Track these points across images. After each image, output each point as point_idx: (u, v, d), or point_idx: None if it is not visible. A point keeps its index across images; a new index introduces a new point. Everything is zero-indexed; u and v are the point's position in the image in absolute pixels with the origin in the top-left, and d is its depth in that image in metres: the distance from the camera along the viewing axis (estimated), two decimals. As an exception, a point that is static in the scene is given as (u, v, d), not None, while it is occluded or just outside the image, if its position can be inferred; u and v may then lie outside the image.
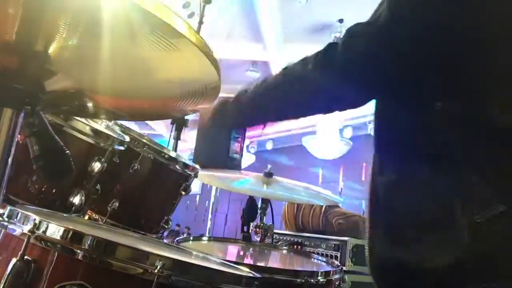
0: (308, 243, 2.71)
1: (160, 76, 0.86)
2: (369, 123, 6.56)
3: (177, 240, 1.76)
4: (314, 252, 2.33)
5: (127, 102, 1.00)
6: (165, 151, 1.66)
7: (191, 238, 1.86)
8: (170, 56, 0.76)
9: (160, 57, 0.77)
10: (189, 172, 1.72)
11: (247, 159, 7.69)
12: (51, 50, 0.76)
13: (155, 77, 0.86)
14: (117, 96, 0.96)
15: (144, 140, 1.61)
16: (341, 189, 6.96)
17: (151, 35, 0.70)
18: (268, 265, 1.64)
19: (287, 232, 2.98)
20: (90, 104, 0.96)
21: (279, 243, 2.76)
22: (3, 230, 0.85)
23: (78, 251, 0.76)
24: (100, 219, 1.53)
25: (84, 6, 0.67)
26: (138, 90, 0.92)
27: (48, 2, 0.67)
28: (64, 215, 1.14)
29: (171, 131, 3.11)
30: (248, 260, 1.67)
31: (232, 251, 1.88)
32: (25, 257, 0.76)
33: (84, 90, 0.90)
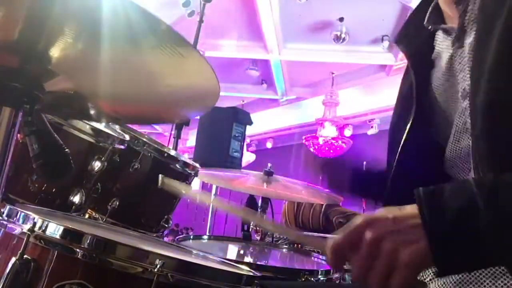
0: (308, 242, 2.71)
1: (161, 81, 0.86)
2: (369, 121, 6.56)
3: (177, 239, 1.77)
4: (314, 251, 2.33)
5: (128, 106, 1.00)
6: (165, 150, 1.66)
7: (191, 236, 1.86)
8: (172, 62, 0.76)
9: (162, 63, 0.77)
10: (189, 171, 1.72)
11: (247, 157, 7.69)
12: (54, 52, 0.76)
13: (156, 82, 0.86)
14: (118, 101, 0.96)
15: (144, 139, 1.61)
16: (341, 187, 6.96)
17: (155, 41, 0.70)
18: (268, 264, 1.63)
19: (287, 230, 2.97)
20: (91, 108, 0.96)
21: (279, 242, 2.76)
22: (2, 229, 0.85)
23: (78, 250, 0.76)
24: (100, 218, 1.52)
25: (88, 11, 0.67)
26: (139, 95, 0.92)
27: (52, 4, 0.67)
28: (64, 214, 1.14)
29: (171, 130, 3.11)
30: (248, 259, 1.67)
31: (232, 249, 1.88)
32: (25, 256, 0.75)
33: (86, 94, 0.90)
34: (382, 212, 0.64)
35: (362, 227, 0.63)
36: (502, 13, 0.70)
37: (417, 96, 0.93)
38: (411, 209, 0.62)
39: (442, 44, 0.92)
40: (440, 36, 0.93)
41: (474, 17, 0.80)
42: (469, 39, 0.81)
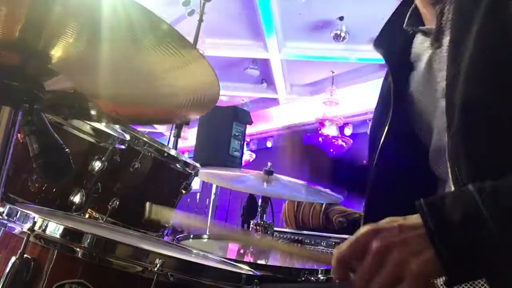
0: (308, 241, 2.71)
1: (162, 82, 0.86)
2: (369, 121, 6.55)
3: (177, 238, 1.77)
4: (314, 250, 2.33)
5: (128, 106, 1.00)
6: (165, 149, 1.66)
7: (191, 236, 1.86)
8: (173, 62, 0.76)
9: (163, 64, 0.77)
10: (189, 171, 1.72)
11: (247, 157, 7.69)
12: (54, 51, 0.76)
13: (157, 83, 0.86)
14: (118, 101, 0.96)
15: (145, 139, 1.61)
16: (342, 186, 6.96)
17: (156, 42, 0.70)
18: (268, 263, 1.64)
19: (287, 230, 2.98)
20: (91, 108, 0.96)
21: (279, 241, 2.76)
22: (2, 229, 0.85)
23: (78, 249, 0.76)
24: (100, 218, 1.53)
25: (89, 11, 0.67)
26: (139, 95, 0.92)
27: (53, 4, 0.67)
28: (64, 213, 1.14)
29: (172, 130, 3.12)
30: (248, 258, 1.67)
31: (232, 249, 1.88)
32: (25, 255, 0.75)
33: (86, 94, 0.90)
34: (387, 222, 0.64)
35: (368, 237, 0.63)
36: (479, 12, 0.71)
37: (395, 99, 0.94)
38: (415, 218, 0.62)
39: (422, 46, 0.92)
40: (419, 38, 0.94)
41: (451, 16, 0.81)
42: (447, 39, 0.81)
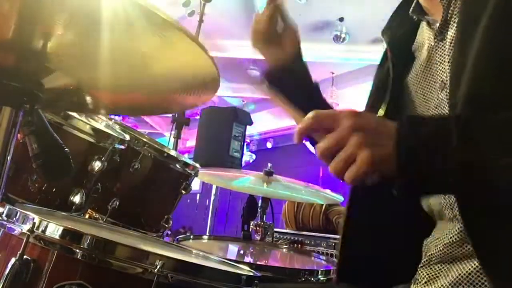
0: (308, 242, 2.71)
1: (158, 70, 0.85)
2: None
3: (177, 239, 1.76)
4: (314, 251, 2.33)
5: (126, 97, 0.99)
6: (165, 150, 1.66)
7: (191, 236, 1.86)
8: (166, 50, 0.76)
9: (157, 51, 0.77)
10: (189, 171, 1.72)
11: (247, 157, 7.69)
12: (49, 47, 0.75)
13: (153, 71, 0.86)
14: (116, 91, 0.96)
15: (145, 139, 1.61)
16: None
17: (147, 28, 0.69)
18: (268, 264, 1.63)
19: (287, 230, 2.98)
20: (89, 100, 0.96)
21: (279, 242, 2.76)
22: (2, 229, 0.84)
23: (77, 250, 0.75)
24: (100, 218, 1.52)
25: (80, 3, 0.67)
26: (137, 85, 0.92)
27: (44, 1, 0.67)
28: (64, 214, 1.14)
29: (172, 130, 3.11)
30: (248, 259, 1.67)
31: (233, 249, 1.88)
32: (24, 256, 0.75)
33: (83, 87, 0.89)
34: (371, 114, 0.71)
35: (347, 115, 0.66)
36: (487, 5, 0.71)
37: (392, 87, 0.94)
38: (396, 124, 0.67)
39: (424, 35, 0.92)
40: (423, 27, 0.93)
41: (457, 10, 0.81)
42: (452, 32, 0.81)
